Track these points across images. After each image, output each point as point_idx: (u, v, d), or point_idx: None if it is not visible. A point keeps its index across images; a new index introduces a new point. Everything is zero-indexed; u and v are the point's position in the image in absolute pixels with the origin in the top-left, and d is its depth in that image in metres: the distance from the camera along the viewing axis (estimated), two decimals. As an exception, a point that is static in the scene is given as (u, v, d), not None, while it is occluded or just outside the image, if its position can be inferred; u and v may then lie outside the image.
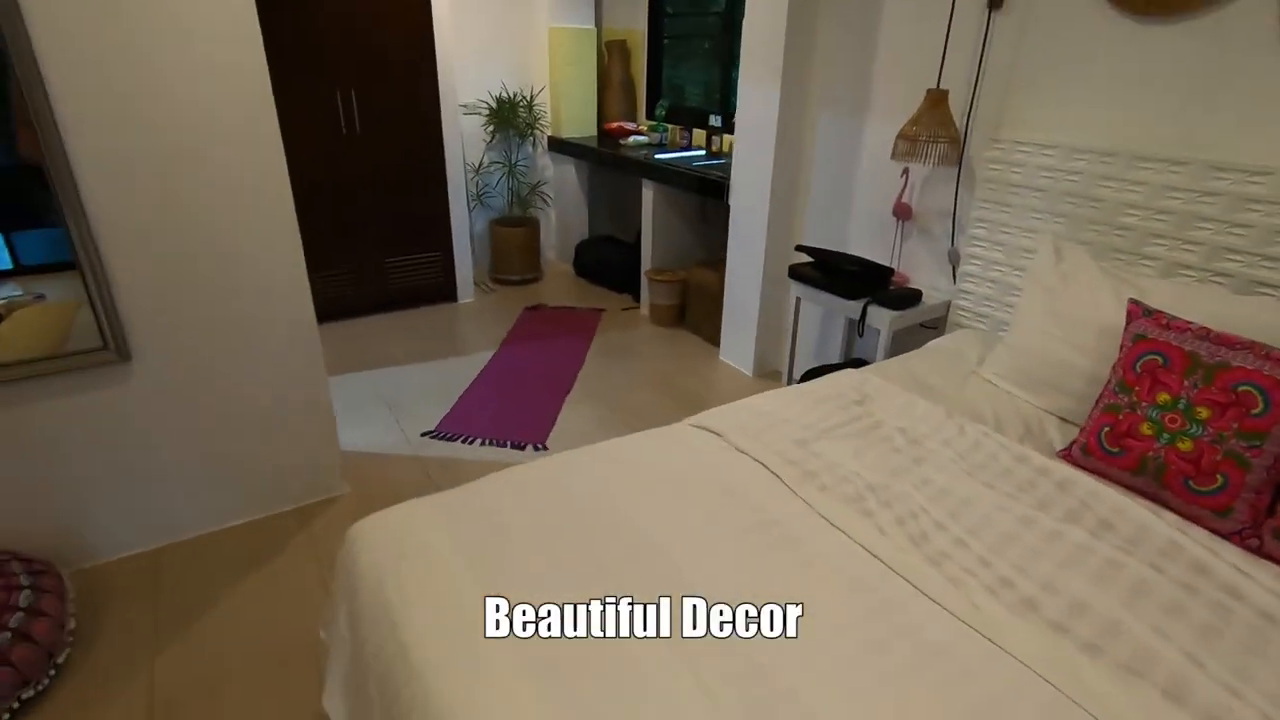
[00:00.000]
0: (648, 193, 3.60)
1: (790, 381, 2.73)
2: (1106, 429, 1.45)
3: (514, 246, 4.21)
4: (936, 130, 2.08)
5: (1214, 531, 1.29)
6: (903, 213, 2.42)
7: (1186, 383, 1.34)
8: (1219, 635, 1.06)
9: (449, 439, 2.62)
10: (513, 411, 2.81)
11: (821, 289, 2.41)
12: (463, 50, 3.84)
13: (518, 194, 4.26)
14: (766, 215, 2.85)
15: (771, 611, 1.07)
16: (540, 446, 2.58)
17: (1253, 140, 1.61)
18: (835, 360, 2.83)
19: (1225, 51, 1.62)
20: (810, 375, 2.64)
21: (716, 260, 3.51)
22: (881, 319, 2.25)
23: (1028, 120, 2.03)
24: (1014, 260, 2.11)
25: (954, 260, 2.34)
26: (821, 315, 2.92)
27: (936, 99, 2.09)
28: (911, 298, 2.27)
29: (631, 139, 3.93)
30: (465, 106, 3.93)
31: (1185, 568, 1.19)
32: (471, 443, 2.60)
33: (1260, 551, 1.24)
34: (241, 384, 1.98)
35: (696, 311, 3.56)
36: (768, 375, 3.17)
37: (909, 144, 2.14)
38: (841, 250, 2.66)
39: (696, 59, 3.99)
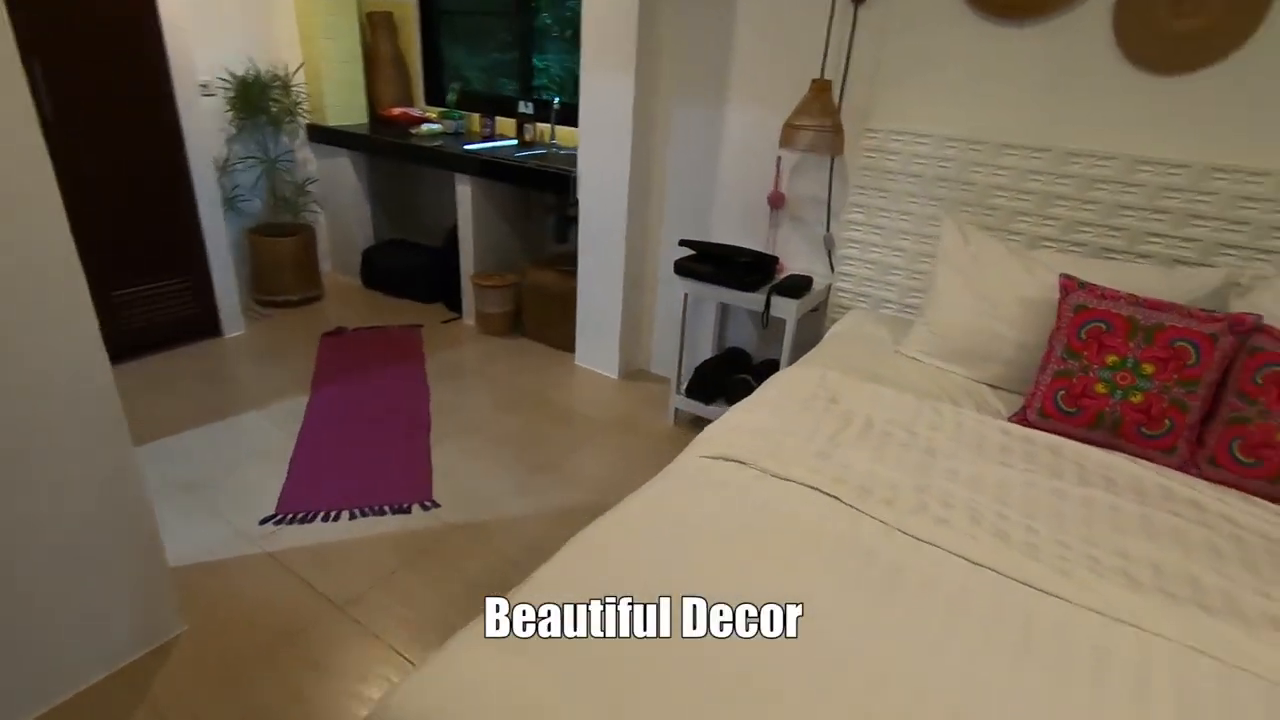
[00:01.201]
0: (464, 189, 3.19)
1: (681, 382, 2.64)
2: (1062, 392, 1.62)
3: (285, 260, 3.44)
4: (822, 120, 2.13)
5: (1165, 466, 1.51)
6: (777, 201, 2.46)
7: (1131, 344, 1.54)
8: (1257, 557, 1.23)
9: (303, 520, 2.04)
10: (371, 467, 2.29)
11: (715, 283, 2.35)
12: (196, 13, 2.96)
13: (282, 196, 3.48)
14: (625, 211, 2.70)
15: (926, 645, 0.97)
16: (429, 504, 2.14)
17: (1097, 129, 1.90)
18: (710, 354, 2.81)
19: (1070, 52, 1.88)
20: (704, 371, 2.58)
21: (552, 259, 3.26)
22: (787, 309, 2.26)
23: (899, 111, 2.17)
24: (891, 242, 2.26)
25: (829, 245, 2.44)
26: (686, 309, 2.86)
27: (820, 89, 2.13)
28: (804, 284, 2.33)
29: (424, 128, 3.44)
30: (204, 86, 3.06)
31: (1183, 504, 1.37)
32: (335, 518, 2.06)
33: (1182, 466, 1.49)
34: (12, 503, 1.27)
35: (536, 317, 3.27)
36: (633, 376, 3.05)
37: (797, 133, 2.15)
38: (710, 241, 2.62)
39: (486, 39, 3.61)
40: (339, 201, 3.75)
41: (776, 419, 1.60)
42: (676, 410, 2.67)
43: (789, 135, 2.17)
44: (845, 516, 1.28)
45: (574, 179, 2.79)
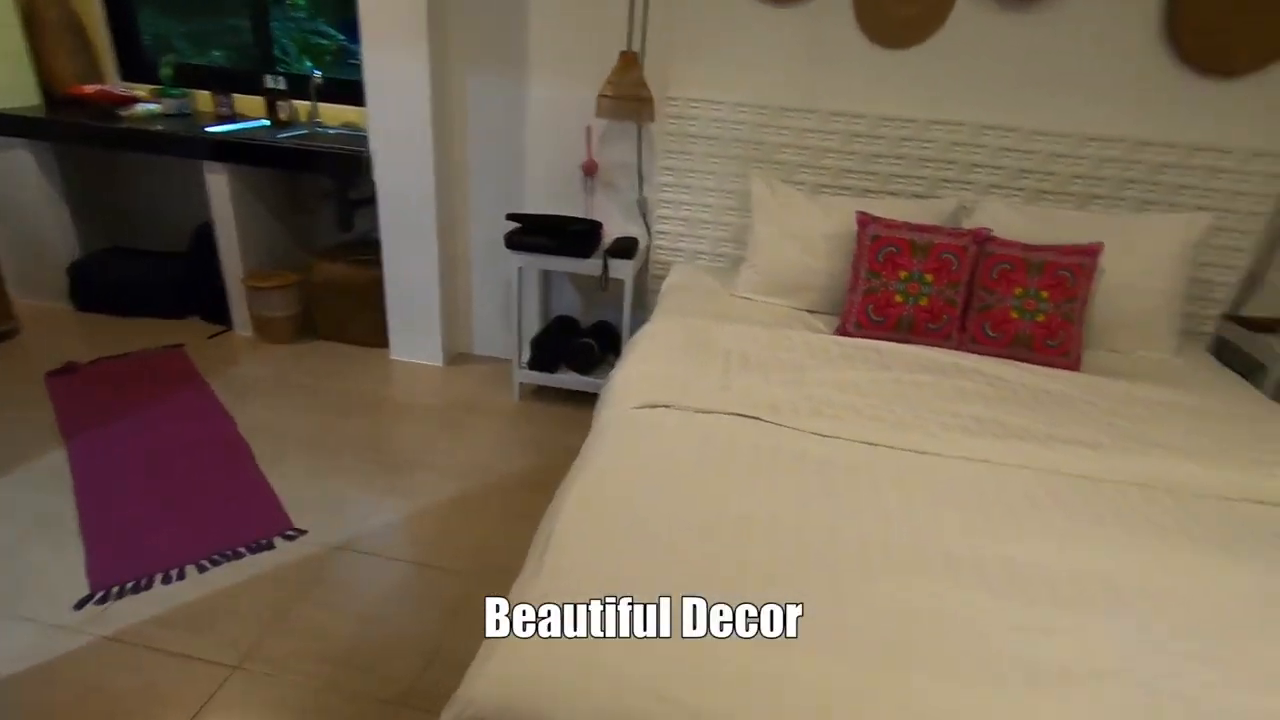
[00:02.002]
0: (217, 180, 2.74)
1: (521, 358, 2.65)
2: (871, 306, 2.03)
3: (-45, 290, 2.64)
4: (633, 90, 2.28)
5: (948, 349, 1.99)
6: (591, 169, 2.57)
7: (915, 261, 1.99)
8: (1032, 400, 1.72)
9: (135, 590, 1.69)
10: (199, 511, 1.96)
11: (552, 253, 2.41)
12: None
13: (-66, 205, 2.63)
14: (433, 191, 2.59)
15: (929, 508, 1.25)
16: (293, 532, 1.91)
17: (851, 93, 2.34)
18: (539, 326, 2.85)
19: (825, 30, 2.28)
20: (542, 343, 2.63)
21: (340, 249, 2.98)
22: (624, 269, 2.41)
23: (696, 81, 2.40)
24: (699, 200, 2.53)
25: (643, 208, 2.64)
26: (521, 283, 2.86)
27: (629, 60, 2.28)
28: (633, 246, 2.49)
29: (139, 109, 2.85)
30: None
31: (970, 373, 1.85)
32: (180, 576, 1.74)
33: (965, 346, 1.99)
34: None
35: (331, 315, 2.98)
36: (459, 361, 2.97)
37: (611, 103, 2.28)
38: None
39: (199, 3, 3.08)
40: (20, 206, 2.95)
41: (671, 365, 1.75)
42: (520, 385, 2.68)
43: (604, 105, 2.29)
44: (769, 432, 1.49)
45: (365, 159, 2.59)
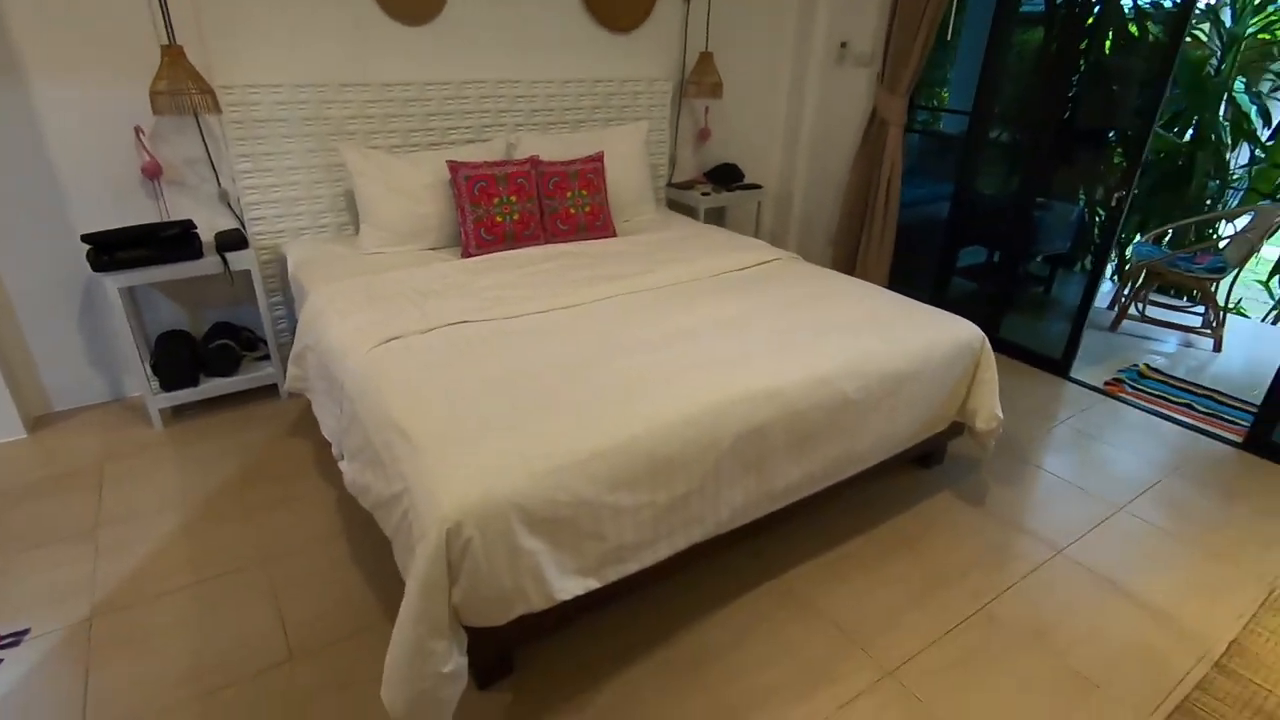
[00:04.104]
0: None
1: (150, 384, 2.46)
2: (482, 229, 2.64)
3: None
4: (191, 82, 2.28)
5: (543, 245, 2.77)
6: (154, 171, 2.44)
7: (500, 189, 2.66)
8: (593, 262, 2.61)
9: None
10: None
11: (157, 264, 2.31)
12: None
13: None
14: (-59, 231, 2.12)
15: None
16: (14, 637, 1.68)
17: (398, 64, 2.77)
18: (139, 345, 2.62)
19: (353, 9, 2.63)
20: (168, 362, 2.51)
21: None
22: (247, 259, 2.47)
23: (244, 66, 2.49)
24: (286, 180, 2.69)
25: (227, 199, 2.64)
26: (124, 308, 2.54)
27: (175, 54, 2.24)
28: (239, 236, 2.53)
29: None
30: None
31: (567, 254, 2.66)
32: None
33: (551, 239, 2.81)
34: None
35: None
36: (46, 424, 2.53)
37: (170, 99, 2.25)
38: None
39: None
40: None
41: (371, 314, 2.09)
42: (160, 412, 2.51)
43: (161, 102, 2.24)
44: (479, 326, 2.03)
45: None
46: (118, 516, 2.08)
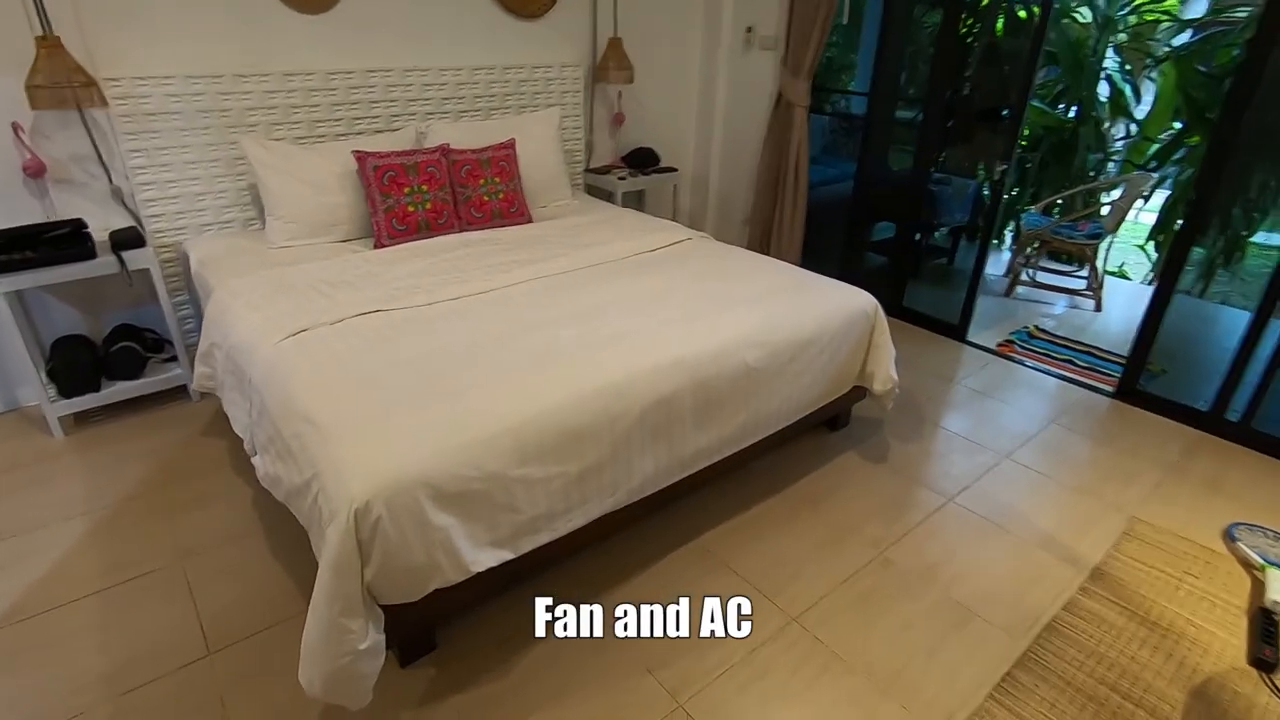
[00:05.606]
0: None
1: (47, 392, 2.36)
2: (394, 220, 2.64)
3: None
4: (73, 75, 2.19)
5: (459, 233, 2.78)
6: (37, 170, 2.33)
7: (410, 178, 2.65)
8: (518, 247, 2.65)
9: None
10: None
11: (43, 266, 2.21)
12: None
13: None
14: None
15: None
16: (-90, 655, 1.62)
17: (298, 54, 2.71)
18: (34, 355, 2.51)
19: (245, 7, 2.57)
20: (66, 369, 2.42)
21: None
22: (146, 258, 2.39)
23: (131, 58, 2.40)
24: (185, 174, 2.61)
25: (121, 196, 2.54)
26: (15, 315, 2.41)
27: (52, 46, 2.15)
28: (134, 233, 2.44)
29: None
30: None
31: (483, 242, 2.68)
32: None
33: (465, 227, 2.82)
34: None
35: None
36: (-64, 436, 2.41)
37: (50, 93, 2.15)
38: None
39: None
40: None
41: (278, 307, 2.08)
42: (60, 419, 2.42)
43: (41, 97, 2.15)
44: (390, 315, 2.04)
45: None
46: (17, 528, 2.01)
